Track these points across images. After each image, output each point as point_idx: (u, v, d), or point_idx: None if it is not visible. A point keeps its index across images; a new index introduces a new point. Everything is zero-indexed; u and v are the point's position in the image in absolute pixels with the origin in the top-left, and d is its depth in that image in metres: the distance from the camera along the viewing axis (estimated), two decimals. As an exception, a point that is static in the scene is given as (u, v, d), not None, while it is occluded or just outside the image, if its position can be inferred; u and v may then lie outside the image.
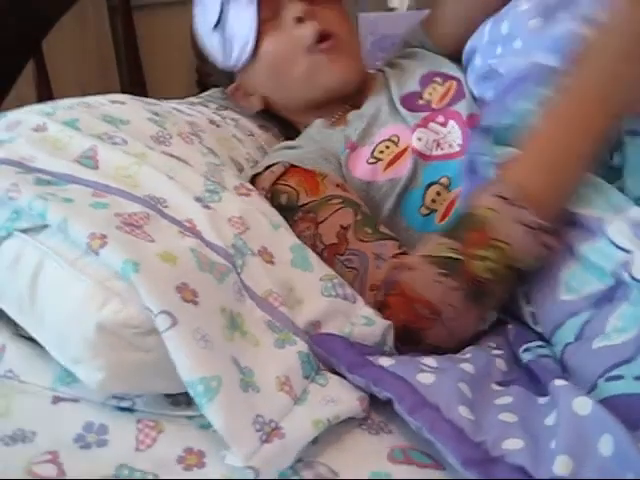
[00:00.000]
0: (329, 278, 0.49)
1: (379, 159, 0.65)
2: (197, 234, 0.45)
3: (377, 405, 0.43)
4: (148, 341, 0.40)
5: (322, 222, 0.58)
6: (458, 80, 0.70)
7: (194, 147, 0.62)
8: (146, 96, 1.09)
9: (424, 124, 0.66)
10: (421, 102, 0.70)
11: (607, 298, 0.45)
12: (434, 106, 0.68)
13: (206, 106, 0.83)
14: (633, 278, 0.43)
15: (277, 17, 0.72)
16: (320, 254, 0.55)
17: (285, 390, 0.41)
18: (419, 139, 0.64)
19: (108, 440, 0.41)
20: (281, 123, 0.82)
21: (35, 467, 0.39)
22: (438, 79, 0.71)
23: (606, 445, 0.34)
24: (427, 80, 0.72)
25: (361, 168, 0.66)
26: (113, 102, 0.66)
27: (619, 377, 0.41)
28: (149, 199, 0.48)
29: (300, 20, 0.70)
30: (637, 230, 0.46)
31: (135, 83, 1.14)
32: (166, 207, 0.48)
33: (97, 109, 0.62)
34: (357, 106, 0.73)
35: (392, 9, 1.14)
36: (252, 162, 0.72)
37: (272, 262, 0.49)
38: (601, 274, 0.46)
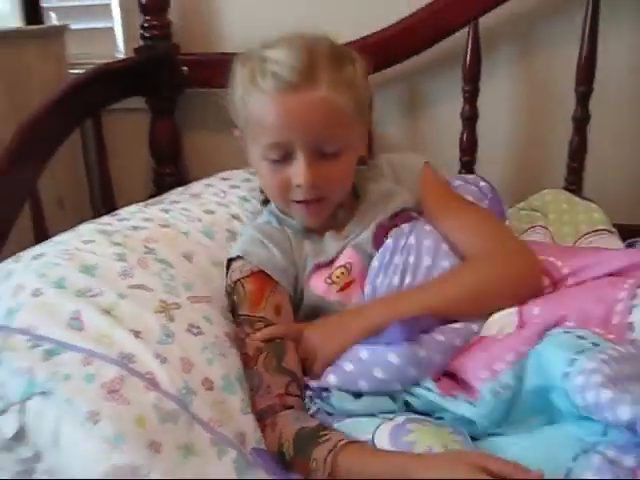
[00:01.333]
0: (246, 399, 0.74)
1: (334, 282, 0.83)
2: (156, 386, 0.68)
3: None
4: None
5: (249, 335, 0.79)
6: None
7: (150, 271, 0.83)
8: (112, 195, 1.31)
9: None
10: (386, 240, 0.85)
11: None
12: None
13: (161, 202, 1.03)
14: None
15: (288, 161, 0.81)
16: (240, 354, 0.79)
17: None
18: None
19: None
20: None
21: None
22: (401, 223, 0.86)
23: None
24: (399, 220, 0.87)
25: (319, 284, 0.83)
26: (85, 242, 0.86)
27: None
28: (121, 358, 0.70)
29: (299, 187, 0.81)
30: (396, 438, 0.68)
31: (104, 185, 1.34)
32: (133, 364, 0.70)
33: (75, 257, 0.82)
34: (336, 220, 0.88)
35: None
36: (201, 246, 0.92)
37: (212, 388, 0.72)
38: None
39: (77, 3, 1.52)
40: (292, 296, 0.84)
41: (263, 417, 0.75)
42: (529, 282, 0.82)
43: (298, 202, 0.84)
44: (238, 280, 0.83)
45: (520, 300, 0.79)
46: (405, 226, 0.86)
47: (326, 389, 0.76)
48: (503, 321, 0.78)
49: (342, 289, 0.83)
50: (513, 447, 0.69)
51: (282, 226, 0.89)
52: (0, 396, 0.71)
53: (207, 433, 0.68)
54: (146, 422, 0.65)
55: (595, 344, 0.69)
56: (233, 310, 0.83)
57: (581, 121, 1.24)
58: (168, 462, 0.64)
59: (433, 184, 0.92)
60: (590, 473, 0.62)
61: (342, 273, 0.84)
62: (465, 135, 1.29)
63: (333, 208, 0.87)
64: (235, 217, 1.01)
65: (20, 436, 0.72)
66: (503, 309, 0.78)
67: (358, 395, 0.76)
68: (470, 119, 1.29)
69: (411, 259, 0.82)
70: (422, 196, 0.91)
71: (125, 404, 0.66)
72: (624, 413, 0.60)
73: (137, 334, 0.73)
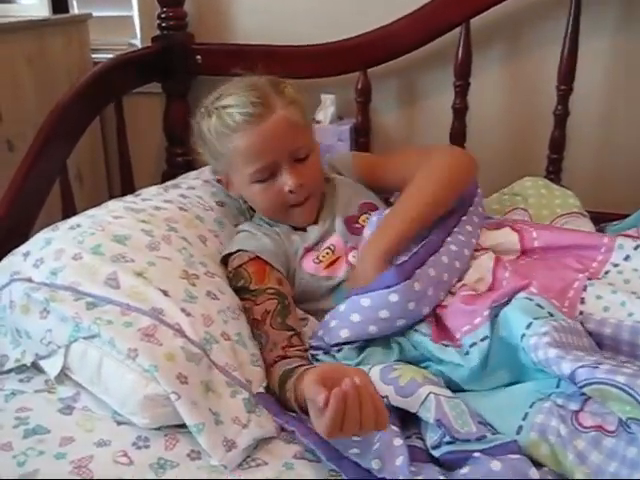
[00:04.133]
0: (255, 354, 0.87)
1: (321, 261, 0.99)
2: (183, 334, 0.81)
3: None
4: (168, 402, 0.76)
5: (257, 305, 0.92)
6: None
7: (173, 246, 0.95)
8: (130, 171, 1.42)
9: (356, 246, 0.99)
10: (357, 225, 1.02)
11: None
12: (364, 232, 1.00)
13: (179, 187, 1.14)
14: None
15: (274, 177, 0.99)
16: (250, 321, 0.92)
17: (237, 423, 0.77)
18: (353, 256, 0.98)
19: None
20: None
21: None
22: (370, 211, 1.03)
23: None
24: (364, 208, 1.04)
25: (309, 264, 0.99)
26: (116, 217, 0.98)
27: None
28: (153, 311, 0.82)
29: (291, 192, 0.98)
30: (384, 375, 0.77)
31: (123, 164, 1.45)
32: (164, 316, 0.82)
33: (108, 229, 0.94)
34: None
35: (317, 122, 1.41)
36: (212, 233, 1.04)
37: (229, 339, 0.85)
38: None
39: (98, -7, 1.62)
40: (286, 276, 0.98)
41: (270, 368, 0.88)
42: (468, 160, 1.04)
43: (294, 206, 1.01)
44: (239, 266, 0.97)
45: (472, 177, 1.04)
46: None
47: (337, 344, 0.86)
48: (480, 273, 0.93)
49: (328, 266, 0.99)
50: (483, 399, 0.82)
51: (272, 227, 1.05)
52: (48, 341, 0.84)
53: (223, 376, 0.81)
54: (175, 358, 0.78)
55: (550, 314, 0.82)
56: (238, 290, 0.95)
57: (561, 117, 1.36)
58: (193, 392, 0.76)
59: (364, 158, 1.16)
60: (541, 415, 0.75)
61: (327, 253, 1.00)
62: (455, 125, 1.41)
63: (319, 202, 1.05)
64: (241, 213, 1.14)
65: (62, 377, 0.85)
66: (464, 187, 1.01)
67: (359, 354, 0.87)
68: (460, 111, 1.40)
69: None
70: (360, 168, 1.12)
71: (158, 345, 0.79)
72: (566, 368, 0.73)
73: (165, 293, 0.85)
